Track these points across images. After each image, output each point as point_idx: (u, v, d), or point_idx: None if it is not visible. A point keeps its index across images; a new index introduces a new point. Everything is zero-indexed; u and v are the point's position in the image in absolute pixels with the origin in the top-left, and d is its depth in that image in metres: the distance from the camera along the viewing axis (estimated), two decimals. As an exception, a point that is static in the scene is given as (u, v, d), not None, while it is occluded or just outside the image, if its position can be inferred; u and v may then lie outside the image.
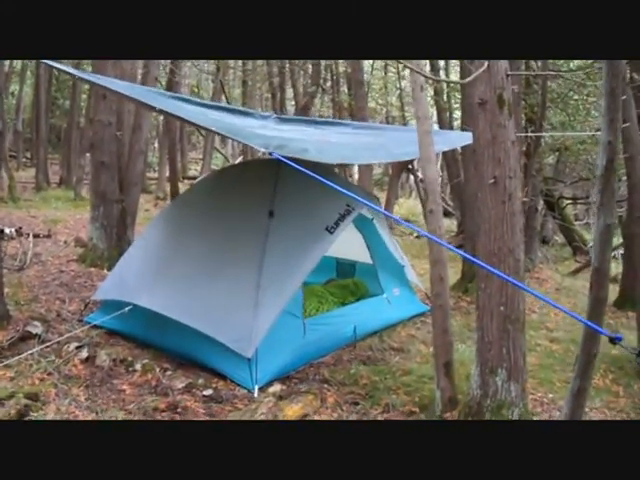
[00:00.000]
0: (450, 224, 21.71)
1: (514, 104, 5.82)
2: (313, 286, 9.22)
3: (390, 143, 8.68)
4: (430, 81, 17.47)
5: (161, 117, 23.61)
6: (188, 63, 26.41)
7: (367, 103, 16.94)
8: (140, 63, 13.29)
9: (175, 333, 7.24)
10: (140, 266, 8.10)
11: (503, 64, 5.63)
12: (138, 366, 7.15)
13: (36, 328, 7.67)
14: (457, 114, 20.90)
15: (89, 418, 5.77)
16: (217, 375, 7.10)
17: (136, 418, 5.93)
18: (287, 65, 21.97)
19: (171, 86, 22.00)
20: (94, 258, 11.32)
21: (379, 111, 27.22)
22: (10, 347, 7.20)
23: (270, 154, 5.92)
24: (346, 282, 10.11)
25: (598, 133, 15.46)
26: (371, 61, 23.40)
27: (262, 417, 5.68)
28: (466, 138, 8.82)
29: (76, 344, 7.41)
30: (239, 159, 33.13)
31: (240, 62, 24.57)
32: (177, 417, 6.11)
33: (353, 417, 6.45)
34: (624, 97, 6.36)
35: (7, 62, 23.56)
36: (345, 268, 10.71)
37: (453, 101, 20.06)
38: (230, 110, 9.40)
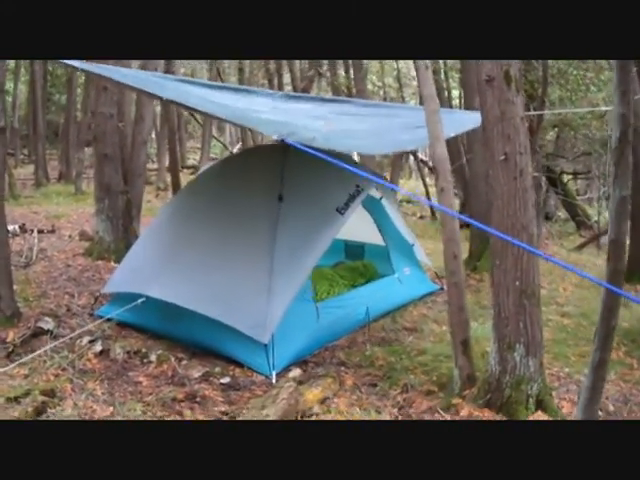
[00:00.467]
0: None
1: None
2: (322, 269, 9.14)
3: (396, 127, 8.62)
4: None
5: (158, 107, 23.47)
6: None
7: (366, 86, 16.88)
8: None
9: (188, 322, 7.20)
10: (150, 257, 8.02)
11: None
12: (153, 357, 7.11)
13: (47, 324, 7.60)
14: (455, 93, 20.89)
15: (107, 412, 5.71)
16: (233, 362, 7.06)
17: (155, 409, 5.88)
18: (284, 50, 21.80)
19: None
20: (101, 251, 11.26)
21: (376, 92, 27.16)
22: (22, 344, 7.13)
23: (282, 141, 5.85)
24: (355, 264, 10.07)
25: (604, 108, 15.52)
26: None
27: (284, 402, 5.61)
28: (475, 119, 8.79)
29: (89, 338, 7.36)
30: (237, 146, 33.17)
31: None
32: (196, 407, 6.06)
33: (372, 399, 6.40)
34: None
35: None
36: (354, 250, 10.66)
37: (451, 80, 19.97)
38: (235, 90, 9.32)
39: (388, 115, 9.53)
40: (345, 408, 6.05)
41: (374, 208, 9.21)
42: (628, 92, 4.26)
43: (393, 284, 9.41)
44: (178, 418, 5.75)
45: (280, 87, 21.98)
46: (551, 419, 5.67)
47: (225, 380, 6.70)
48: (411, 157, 23.59)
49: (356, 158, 16.67)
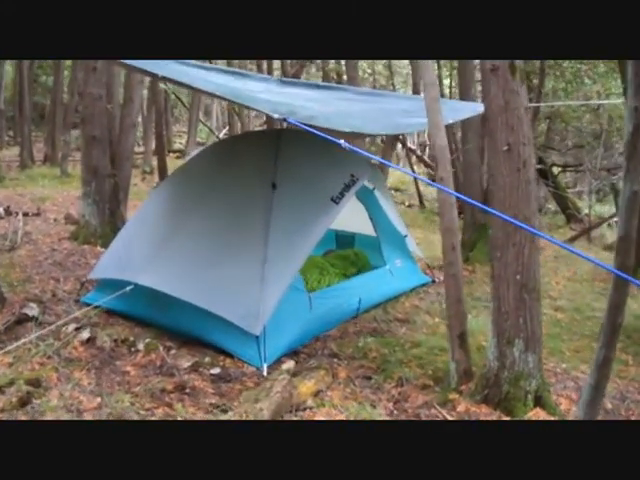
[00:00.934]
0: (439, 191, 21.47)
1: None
2: (313, 257, 8.96)
3: (395, 112, 8.44)
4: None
5: (145, 90, 23.25)
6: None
7: (358, 73, 16.73)
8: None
9: (177, 311, 7.01)
10: (138, 243, 7.81)
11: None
12: (141, 346, 6.93)
13: (32, 310, 7.41)
14: (444, 82, 20.77)
15: (94, 403, 5.50)
16: (223, 353, 6.88)
17: (143, 401, 5.68)
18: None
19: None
20: (87, 235, 11.06)
21: (366, 79, 27.04)
22: (7, 331, 6.94)
23: (285, 120, 5.65)
24: (347, 253, 9.95)
25: (605, 102, 15.46)
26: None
27: (277, 395, 5.45)
28: (470, 108, 8.68)
29: (75, 325, 7.16)
30: (224, 131, 33.00)
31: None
32: (186, 398, 5.88)
33: (367, 392, 6.28)
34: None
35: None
36: (344, 240, 10.55)
37: (445, 69, 19.83)
38: (229, 72, 9.14)
39: (384, 102, 9.39)
40: (339, 402, 5.93)
41: (366, 199, 9.08)
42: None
43: (385, 275, 9.30)
44: (167, 410, 5.57)
45: (270, 72, 21.70)
46: (552, 417, 5.61)
47: (215, 371, 6.52)
48: (399, 145, 23.42)
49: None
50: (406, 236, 10.03)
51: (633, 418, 6.04)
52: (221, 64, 25.07)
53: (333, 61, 21.64)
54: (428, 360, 6.92)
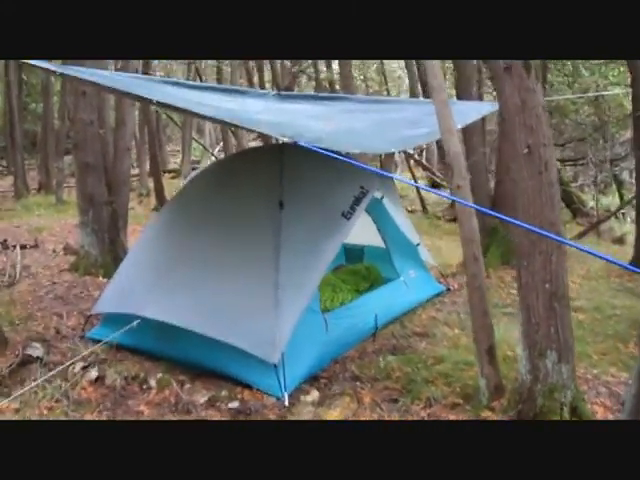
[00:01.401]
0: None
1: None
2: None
3: (401, 123, 8.10)
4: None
5: (137, 111, 23.05)
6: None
7: (353, 80, 16.50)
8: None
9: (187, 342, 6.68)
10: (142, 274, 7.48)
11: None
12: (153, 382, 6.60)
13: (36, 350, 7.09)
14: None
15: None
16: (240, 384, 6.53)
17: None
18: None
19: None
20: (87, 266, 10.70)
21: (359, 86, 26.83)
22: (11, 375, 6.62)
23: (295, 143, 5.35)
24: (357, 267, 9.65)
25: (607, 93, 15.24)
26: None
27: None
28: (482, 109, 8.41)
29: (82, 364, 6.83)
30: (218, 147, 32.80)
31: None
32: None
33: (395, 415, 5.98)
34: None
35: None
36: (353, 253, 10.21)
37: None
38: (224, 91, 8.78)
39: (388, 110, 9.07)
40: (367, 429, 5.58)
41: (374, 209, 8.73)
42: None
43: (399, 288, 9.00)
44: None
45: (262, 85, 21.49)
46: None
47: (234, 405, 6.19)
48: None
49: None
50: (418, 244, 9.76)
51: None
52: (212, 79, 24.98)
53: (324, 70, 21.44)
54: (454, 376, 6.61)
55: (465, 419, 5.71)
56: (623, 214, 17.15)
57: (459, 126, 7.53)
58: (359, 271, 9.53)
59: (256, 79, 22.18)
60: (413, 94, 18.43)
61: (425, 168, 25.18)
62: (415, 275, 9.38)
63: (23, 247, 12.93)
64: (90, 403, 6.20)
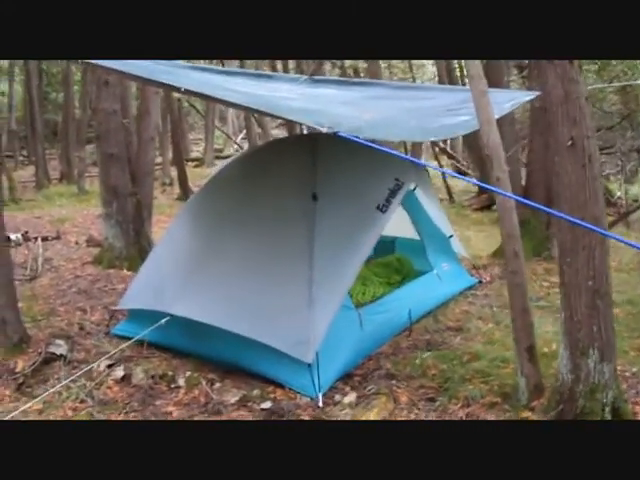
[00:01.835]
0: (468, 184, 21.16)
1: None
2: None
3: (439, 111, 7.79)
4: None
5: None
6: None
7: (380, 67, 16.24)
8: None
9: (217, 340, 6.46)
10: (170, 269, 7.25)
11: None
12: (181, 381, 6.41)
13: (59, 348, 6.91)
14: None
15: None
16: (272, 383, 6.33)
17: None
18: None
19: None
20: (111, 258, 10.52)
21: (381, 73, 26.59)
22: (34, 373, 6.46)
23: (335, 134, 5.10)
24: (389, 259, 9.42)
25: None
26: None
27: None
28: (519, 96, 8.20)
29: (107, 362, 6.63)
30: (241, 135, 32.63)
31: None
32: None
33: (432, 416, 5.78)
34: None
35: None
36: (384, 245, 9.83)
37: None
38: (254, 75, 8.55)
39: (422, 97, 8.73)
40: (406, 429, 5.38)
41: (407, 200, 8.36)
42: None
43: (433, 281, 8.77)
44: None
45: (286, 72, 21.26)
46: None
47: (266, 405, 5.97)
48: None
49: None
50: (451, 236, 9.56)
51: None
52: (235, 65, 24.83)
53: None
54: (491, 374, 6.40)
55: (504, 419, 5.55)
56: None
57: (496, 116, 7.33)
58: (391, 263, 9.31)
59: (280, 66, 21.92)
60: (441, 82, 18.18)
61: (450, 156, 24.87)
62: (448, 268, 9.18)
63: (45, 239, 12.77)
64: (116, 403, 6.04)
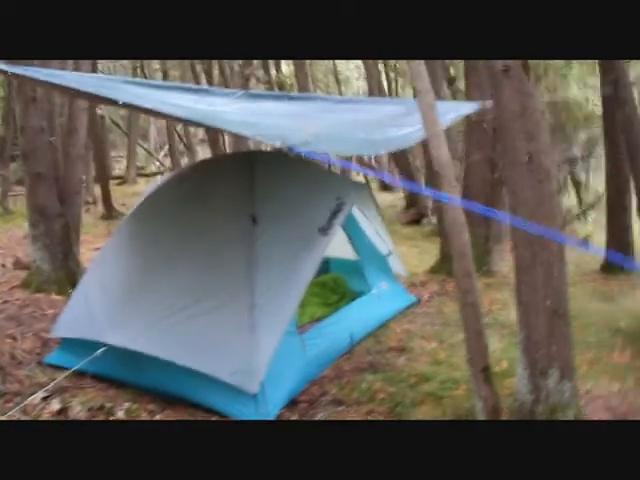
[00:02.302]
0: (394, 198, 21.17)
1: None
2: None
3: (385, 121, 7.63)
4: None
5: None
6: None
7: (309, 82, 16.14)
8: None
9: (155, 369, 6.21)
10: (104, 296, 6.96)
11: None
12: (120, 413, 6.09)
13: (-9, 380, 6.55)
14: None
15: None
16: (215, 413, 6.05)
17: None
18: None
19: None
20: (40, 282, 10.14)
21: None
22: (-35, 408, 6.10)
23: (291, 149, 4.90)
24: (324, 279, 9.30)
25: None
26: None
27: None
28: (463, 108, 8.12)
29: (42, 394, 6.28)
30: (162, 153, 32.36)
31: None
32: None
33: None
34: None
35: None
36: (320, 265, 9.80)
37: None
38: (190, 90, 8.20)
39: (363, 110, 8.54)
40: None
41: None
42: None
43: (372, 302, 8.67)
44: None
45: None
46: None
47: (210, 436, 5.71)
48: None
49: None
50: (389, 254, 9.48)
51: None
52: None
53: (274, 72, 21.12)
54: (443, 396, 6.33)
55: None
56: (584, 215, 17.16)
57: (447, 123, 7.29)
58: (327, 283, 9.23)
59: (204, 82, 21.71)
60: (371, 95, 18.17)
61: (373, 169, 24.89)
62: (387, 287, 9.09)
63: (-32, 262, 12.26)
64: (54, 439, 5.68)
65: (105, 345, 6.24)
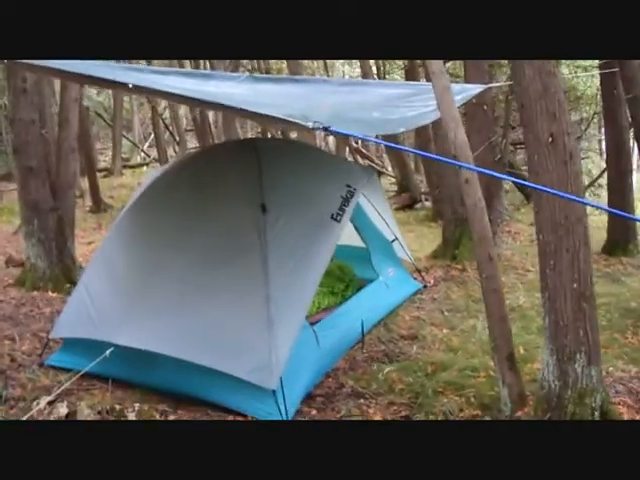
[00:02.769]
0: (385, 183, 21.01)
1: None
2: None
3: (393, 101, 7.47)
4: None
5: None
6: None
7: (302, 69, 15.88)
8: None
9: (165, 368, 5.99)
10: (109, 293, 6.69)
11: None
12: (132, 415, 5.80)
13: (-8, 385, 6.29)
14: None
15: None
16: (231, 412, 5.82)
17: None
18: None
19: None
20: (35, 280, 9.87)
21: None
22: (-33, 417, 5.83)
23: (326, 129, 4.59)
24: (330, 268, 8.90)
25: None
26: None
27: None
28: (472, 89, 7.99)
29: (47, 398, 5.96)
30: (147, 144, 32.14)
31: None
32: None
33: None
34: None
35: None
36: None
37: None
38: (190, 75, 8.01)
39: (369, 92, 8.38)
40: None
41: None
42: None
43: (380, 289, 8.53)
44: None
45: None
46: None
47: (229, 435, 5.49)
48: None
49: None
50: (394, 240, 9.36)
51: None
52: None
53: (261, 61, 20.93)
54: (465, 385, 6.15)
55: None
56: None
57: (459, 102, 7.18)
58: (332, 271, 8.90)
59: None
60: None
61: (364, 156, 24.69)
62: (393, 274, 8.98)
63: (-41, 261, 11.98)
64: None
65: (113, 345, 5.92)
